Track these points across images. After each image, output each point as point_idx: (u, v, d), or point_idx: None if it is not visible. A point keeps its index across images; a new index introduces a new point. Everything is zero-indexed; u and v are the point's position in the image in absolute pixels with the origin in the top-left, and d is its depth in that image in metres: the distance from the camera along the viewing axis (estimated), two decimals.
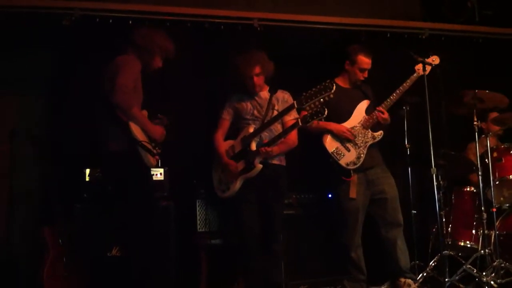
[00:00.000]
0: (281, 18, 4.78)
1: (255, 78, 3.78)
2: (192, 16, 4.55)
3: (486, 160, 4.16)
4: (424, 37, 5.03)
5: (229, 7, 4.70)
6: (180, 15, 4.52)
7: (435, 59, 4.12)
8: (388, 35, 4.98)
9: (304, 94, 3.61)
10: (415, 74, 4.08)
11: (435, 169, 3.82)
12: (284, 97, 3.88)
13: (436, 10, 5.25)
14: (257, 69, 3.77)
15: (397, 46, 4.91)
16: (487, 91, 4.00)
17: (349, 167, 3.93)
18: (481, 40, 5.20)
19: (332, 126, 3.98)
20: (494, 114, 4.46)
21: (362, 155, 3.96)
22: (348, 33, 4.88)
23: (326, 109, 3.52)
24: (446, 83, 4.16)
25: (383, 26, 4.99)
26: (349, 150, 3.96)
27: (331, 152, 3.94)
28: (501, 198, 4.32)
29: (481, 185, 4.03)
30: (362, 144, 3.99)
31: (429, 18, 5.24)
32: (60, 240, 3.82)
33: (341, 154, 3.95)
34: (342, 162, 3.94)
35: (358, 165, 3.94)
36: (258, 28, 4.66)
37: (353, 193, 3.93)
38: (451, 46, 5.03)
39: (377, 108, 4.01)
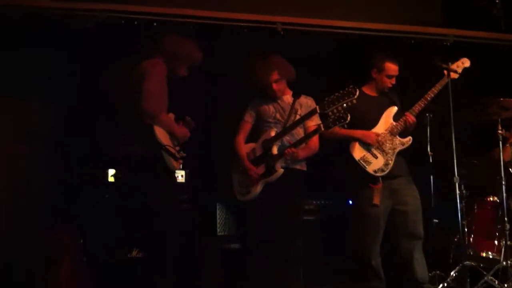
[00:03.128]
0: (303, 22, 4.78)
1: (274, 85, 3.77)
2: (215, 19, 4.57)
3: (510, 169, 4.10)
4: (448, 44, 4.99)
5: (252, 11, 4.71)
6: (203, 18, 4.55)
7: (464, 62, 4.08)
8: (412, 42, 4.95)
9: (326, 99, 3.59)
10: (444, 78, 4.03)
11: (458, 178, 3.77)
12: (307, 103, 3.86)
13: (459, 16, 5.20)
14: (275, 76, 3.75)
15: (421, 52, 4.88)
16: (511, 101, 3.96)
17: (377, 174, 3.89)
18: (507, 48, 5.14)
19: (359, 133, 3.94)
20: None
21: (390, 162, 3.92)
22: (372, 38, 4.85)
23: (348, 114, 3.50)
24: (470, 91, 4.12)
25: (408, 32, 4.96)
26: (376, 157, 3.93)
27: (358, 160, 3.91)
28: None
29: (504, 195, 3.98)
30: (390, 151, 3.95)
31: (451, 24, 5.19)
32: (80, 240, 3.85)
33: (368, 161, 3.91)
34: (370, 169, 3.90)
35: (386, 172, 3.90)
36: (281, 32, 4.67)
37: (377, 200, 3.88)
38: (475, 54, 4.96)
39: (406, 113, 3.97)
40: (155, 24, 4.40)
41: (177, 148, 3.49)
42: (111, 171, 3.99)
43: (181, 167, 4.01)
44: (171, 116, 3.57)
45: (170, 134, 3.45)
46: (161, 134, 3.36)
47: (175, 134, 3.46)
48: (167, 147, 3.34)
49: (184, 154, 3.52)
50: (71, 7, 4.27)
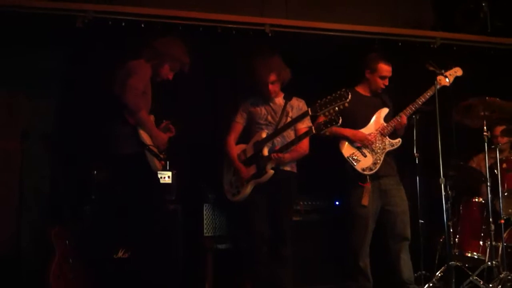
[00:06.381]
0: (292, 24, 4.80)
1: (270, 86, 3.78)
2: (204, 20, 4.57)
3: (496, 171, 4.14)
4: (435, 46, 5.02)
5: (241, 13, 4.72)
6: (192, 19, 4.54)
7: (457, 71, 4.12)
8: (400, 44, 4.97)
9: (318, 101, 3.61)
10: (436, 84, 4.05)
11: (444, 179, 3.79)
12: (299, 105, 3.88)
13: (448, 19, 5.24)
14: (273, 77, 3.77)
15: (409, 55, 4.91)
16: (497, 101, 3.98)
17: (365, 173, 3.93)
18: (493, 51, 5.18)
19: (349, 132, 3.97)
20: (500, 127, 4.44)
21: (379, 161, 3.96)
22: (360, 40, 4.88)
23: (340, 117, 3.52)
24: (456, 93, 4.14)
25: (395, 35, 4.98)
26: (365, 156, 3.96)
27: (347, 157, 3.94)
28: (510, 210, 4.27)
29: (489, 196, 4.01)
30: (379, 151, 3.98)
31: (441, 27, 5.23)
32: (67, 241, 3.84)
33: (357, 159, 3.94)
34: (358, 167, 3.93)
35: (374, 170, 3.94)
36: (270, 34, 4.68)
37: (365, 201, 3.92)
38: (462, 56, 5.01)
39: (400, 114, 4.01)
40: (142, 25, 4.40)
41: (158, 149, 3.50)
42: (96, 172, 3.98)
43: (167, 167, 4.03)
44: (152, 118, 3.58)
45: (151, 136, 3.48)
46: (145, 135, 3.39)
47: (152, 137, 3.46)
48: (151, 147, 3.37)
49: (165, 156, 3.54)
50: (57, 7, 4.25)
